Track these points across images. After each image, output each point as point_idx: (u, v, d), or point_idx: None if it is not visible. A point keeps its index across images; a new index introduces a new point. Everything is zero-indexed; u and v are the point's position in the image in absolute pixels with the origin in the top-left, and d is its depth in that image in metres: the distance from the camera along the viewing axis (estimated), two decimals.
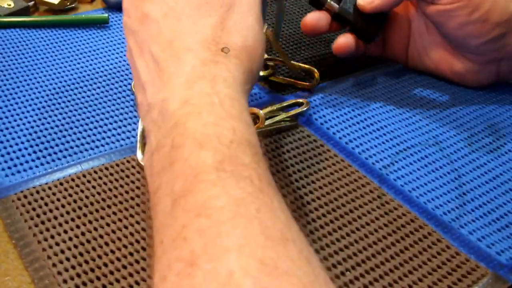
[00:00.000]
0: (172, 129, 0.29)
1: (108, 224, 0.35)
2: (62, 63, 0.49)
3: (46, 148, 0.40)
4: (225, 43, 0.33)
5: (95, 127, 0.43)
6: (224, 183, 0.26)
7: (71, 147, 0.40)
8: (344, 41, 0.47)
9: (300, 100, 0.45)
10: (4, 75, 0.47)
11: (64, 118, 0.43)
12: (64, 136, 0.41)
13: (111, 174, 0.38)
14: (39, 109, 0.44)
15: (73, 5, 0.57)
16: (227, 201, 0.25)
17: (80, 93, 0.46)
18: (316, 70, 0.49)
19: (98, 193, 0.37)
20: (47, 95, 0.45)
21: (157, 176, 0.28)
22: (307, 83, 0.49)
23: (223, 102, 0.30)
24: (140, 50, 0.34)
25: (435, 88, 0.50)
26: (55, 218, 0.35)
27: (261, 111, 0.43)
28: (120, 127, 0.43)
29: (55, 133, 0.42)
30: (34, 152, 0.40)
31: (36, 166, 0.39)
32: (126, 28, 0.36)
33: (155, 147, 0.30)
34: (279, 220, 0.25)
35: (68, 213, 0.35)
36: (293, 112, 0.44)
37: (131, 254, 0.33)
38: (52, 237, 0.34)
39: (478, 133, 0.46)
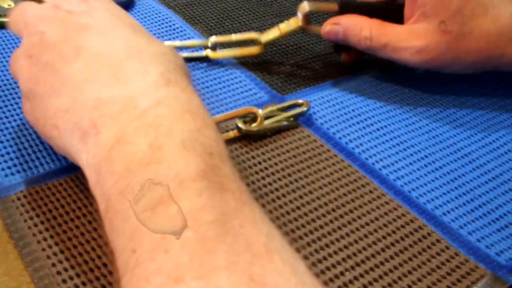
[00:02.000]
0: (146, 127, 0.27)
1: None
2: None
3: (46, 148, 0.40)
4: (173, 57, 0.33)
5: None
6: (209, 194, 0.25)
7: None
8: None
9: (300, 101, 0.45)
10: (5, 75, 0.47)
11: None
12: None
13: None
14: None
15: None
16: (214, 215, 0.24)
17: None
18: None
19: None
20: None
21: (124, 176, 0.26)
22: (253, 48, 0.51)
23: (198, 112, 0.29)
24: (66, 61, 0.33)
25: (436, 88, 0.50)
26: (55, 218, 0.35)
27: (260, 111, 0.43)
28: None
29: None
30: (34, 152, 0.40)
31: (36, 166, 0.39)
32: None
33: (114, 143, 0.27)
34: (262, 233, 0.25)
35: (67, 213, 0.35)
36: (293, 112, 0.44)
37: None
38: (52, 237, 0.34)
39: (478, 133, 0.45)
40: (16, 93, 0.45)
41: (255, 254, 0.23)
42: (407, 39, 0.45)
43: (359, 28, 0.46)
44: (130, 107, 0.29)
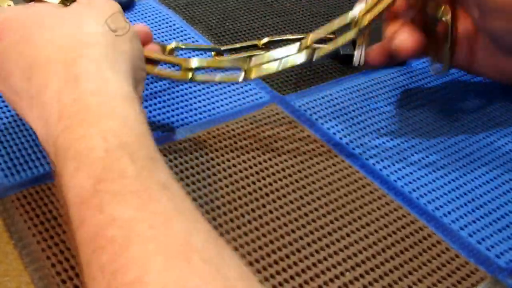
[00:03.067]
0: (53, 149, 0.27)
1: None
2: None
3: None
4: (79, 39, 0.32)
5: None
6: (109, 206, 0.24)
7: None
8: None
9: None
10: None
11: None
12: None
13: None
14: None
15: None
16: (117, 228, 0.23)
17: None
18: None
19: None
20: None
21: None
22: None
23: (90, 103, 0.28)
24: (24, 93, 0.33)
25: (437, 88, 0.50)
26: (55, 218, 0.35)
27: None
28: None
29: None
30: (34, 152, 0.40)
31: (36, 167, 0.39)
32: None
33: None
34: (178, 230, 0.23)
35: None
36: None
37: None
38: (52, 237, 0.34)
39: (478, 133, 0.45)
40: None
41: (170, 257, 0.22)
42: None
43: None
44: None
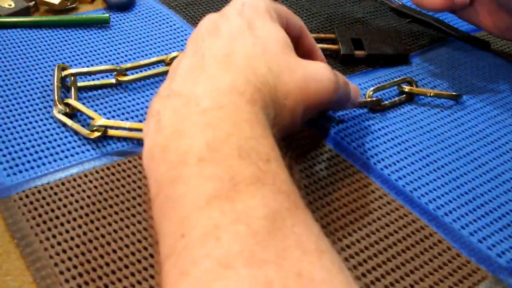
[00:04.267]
0: (204, 126, 0.28)
1: (109, 224, 0.35)
2: (63, 63, 0.49)
3: (48, 148, 0.40)
4: (273, 86, 0.32)
5: None
6: (263, 195, 0.26)
7: (73, 147, 0.41)
8: None
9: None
10: (6, 75, 0.47)
11: None
12: (66, 137, 0.41)
13: (113, 174, 0.38)
14: (40, 109, 0.44)
15: (74, 5, 0.57)
16: (265, 213, 0.25)
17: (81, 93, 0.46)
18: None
19: (100, 193, 0.37)
20: (48, 95, 0.45)
21: (177, 166, 0.27)
22: None
23: (260, 123, 0.29)
24: (193, 52, 0.34)
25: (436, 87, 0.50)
26: (57, 217, 0.35)
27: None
28: None
29: (57, 133, 0.42)
30: (36, 152, 0.40)
31: (38, 166, 0.39)
32: (193, 36, 0.36)
33: (171, 133, 0.29)
34: (313, 233, 0.26)
35: (69, 212, 0.35)
36: None
37: (132, 253, 0.33)
38: (54, 236, 0.34)
39: (479, 132, 0.46)
40: (17, 93, 0.45)
41: (305, 251, 0.24)
42: None
43: None
44: (192, 103, 0.30)
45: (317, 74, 0.35)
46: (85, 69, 0.46)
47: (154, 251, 0.33)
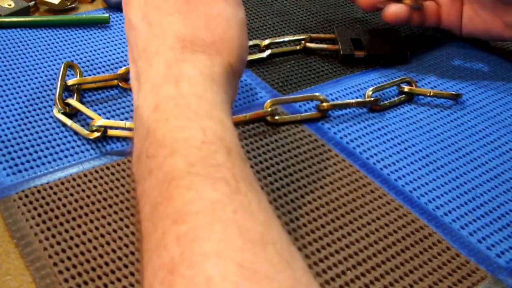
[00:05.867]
0: (146, 138, 0.29)
1: (109, 223, 0.35)
2: (63, 63, 0.49)
3: (47, 148, 0.40)
4: (190, 40, 0.32)
5: None
6: (198, 186, 0.25)
7: (72, 147, 0.41)
8: (395, 11, 0.50)
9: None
10: (6, 75, 0.47)
11: None
12: (66, 137, 0.41)
13: (112, 174, 0.38)
14: (40, 109, 0.44)
15: (74, 5, 0.57)
16: (202, 205, 0.24)
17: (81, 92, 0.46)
18: None
19: (99, 193, 0.37)
20: (48, 95, 0.45)
21: (140, 183, 0.28)
22: None
23: (190, 103, 0.29)
24: (131, 55, 0.34)
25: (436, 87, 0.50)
26: (56, 217, 0.35)
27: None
28: None
29: (56, 133, 0.42)
30: (36, 151, 0.40)
31: (37, 166, 0.39)
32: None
33: (137, 154, 0.29)
34: (258, 221, 0.25)
35: (69, 212, 0.35)
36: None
37: (132, 253, 0.33)
38: (53, 236, 0.34)
39: (479, 132, 0.46)
40: (17, 93, 0.45)
41: (248, 240, 0.23)
42: None
43: None
44: (139, 119, 0.30)
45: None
46: (89, 78, 0.46)
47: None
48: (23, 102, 0.44)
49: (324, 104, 0.45)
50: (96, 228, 0.34)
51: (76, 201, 0.36)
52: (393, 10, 0.50)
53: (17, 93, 0.45)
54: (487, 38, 0.54)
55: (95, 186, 0.37)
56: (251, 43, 0.51)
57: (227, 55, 0.32)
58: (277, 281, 0.22)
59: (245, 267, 0.22)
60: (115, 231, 0.34)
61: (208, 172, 0.26)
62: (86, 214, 0.35)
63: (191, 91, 0.29)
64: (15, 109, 0.44)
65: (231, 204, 0.25)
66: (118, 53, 0.51)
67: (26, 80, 0.47)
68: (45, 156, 0.40)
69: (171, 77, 0.30)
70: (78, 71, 0.47)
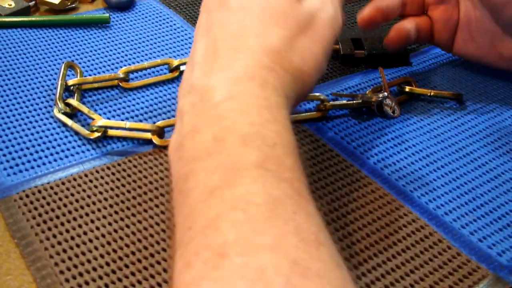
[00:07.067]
0: (214, 120, 0.29)
1: (109, 223, 0.35)
2: (63, 63, 0.49)
3: (48, 148, 0.40)
4: (286, 58, 0.33)
5: None
6: (265, 181, 0.26)
7: (73, 147, 0.41)
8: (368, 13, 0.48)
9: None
10: (6, 75, 0.47)
11: None
12: (66, 137, 0.41)
13: (113, 174, 0.38)
14: (40, 109, 0.44)
15: (74, 5, 0.57)
16: (265, 199, 0.25)
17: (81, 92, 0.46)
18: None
19: (100, 193, 0.37)
20: (49, 95, 0.45)
21: (190, 162, 0.28)
22: None
23: (270, 107, 0.30)
24: (206, 30, 0.34)
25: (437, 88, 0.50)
26: (57, 217, 0.35)
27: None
28: None
29: (57, 133, 0.42)
30: (36, 151, 0.40)
31: (38, 166, 0.39)
32: (204, 4, 0.36)
33: (189, 131, 0.29)
34: (314, 224, 0.25)
35: (70, 212, 0.35)
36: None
37: (133, 253, 0.33)
38: (54, 236, 0.34)
39: (480, 132, 0.46)
40: (17, 92, 0.45)
41: (303, 239, 0.24)
42: None
43: None
44: (206, 98, 0.30)
45: (326, 20, 0.35)
46: (90, 78, 0.46)
47: (154, 250, 0.34)
48: (24, 102, 0.44)
49: (325, 104, 0.45)
50: (97, 228, 0.34)
51: (76, 201, 0.36)
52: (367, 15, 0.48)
53: (18, 93, 0.45)
54: (477, 63, 0.51)
55: (95, 186, 0.37)
56: None
57: (303, 87, 0.34)
58: (327, 279, 0.23)
59: (298, 263, 0.23)
60: (116, 231, 0.34)
61: (277, 171, 0.27)
62: (87, 214, 0.35)
63: (274, 99, 0.30)
64: (16, 109, 0.44)
65: (293, 205, 0.25)
66: (119, 53, 0.51)
67: (27, 80, 0.47)
68: (46, 156, 0.40)
69: (258, 78, 0.31)
70: (78, 71, 0.47)
